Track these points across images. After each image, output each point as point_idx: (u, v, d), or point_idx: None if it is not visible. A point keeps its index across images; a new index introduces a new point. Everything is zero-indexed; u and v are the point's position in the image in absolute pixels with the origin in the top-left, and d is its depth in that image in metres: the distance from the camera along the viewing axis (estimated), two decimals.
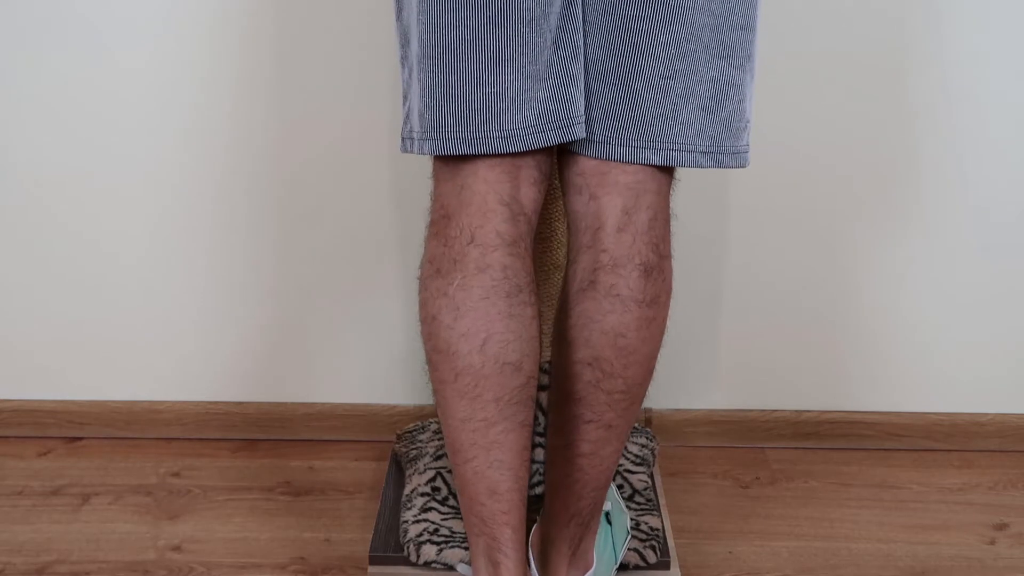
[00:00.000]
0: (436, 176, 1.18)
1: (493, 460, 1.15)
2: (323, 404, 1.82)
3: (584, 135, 1.14)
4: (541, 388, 1.49)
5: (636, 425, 1.70)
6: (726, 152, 1.17)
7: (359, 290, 1.77)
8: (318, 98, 1.69)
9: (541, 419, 1.50)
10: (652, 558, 1.41)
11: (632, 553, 1.42)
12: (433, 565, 1.41)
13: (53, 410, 1.82)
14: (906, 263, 1.74)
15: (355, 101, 1.68)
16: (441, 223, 1.16)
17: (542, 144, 1.12)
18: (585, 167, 1.17)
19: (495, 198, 1.14)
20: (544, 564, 1.29)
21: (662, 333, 1.21)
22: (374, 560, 1.45)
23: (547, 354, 1.47)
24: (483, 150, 1.11)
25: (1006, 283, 1.74)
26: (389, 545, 1.46)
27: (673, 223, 1.19)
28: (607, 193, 1.16)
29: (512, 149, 1.11)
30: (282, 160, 1.72)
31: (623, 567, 1.40)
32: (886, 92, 1.67)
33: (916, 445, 1.80)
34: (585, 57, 1.12)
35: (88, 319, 1.79)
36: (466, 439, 1.16)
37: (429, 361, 1.17)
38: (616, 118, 1.13)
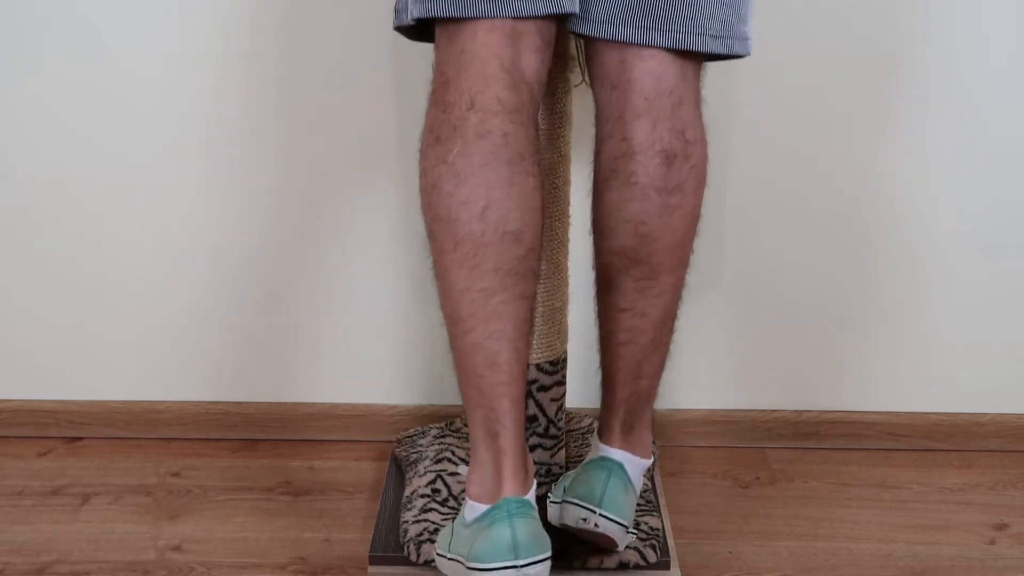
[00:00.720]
0: (437, 45, 1.17)
1: (492, 331, 1.14)
2: (323, 404, 1.82)
3: (575, 10, 1.14)
4: (543, 389, 1.49)
5: None
6: (737, 37, 1.18)
7: (359, 290, 1.77)
8: (318, 98, 1.68)
9: (541, 420, 1.50)
10: (652, 557, 1.41)
11: (632, 552, 1.42)
12: (433, 565, 1.41)
13: (53, 410, 1.82)
14: (906, 263, 1.74)
15: (355, 100, 1.68)
16: (440, 90, 1.14)
17: (531, 12, 1.11)
18: (605, 58, 1.19)
19: (496, 63, 1.12)
20: (602, 433, 1.37)
21: (692, 221, 1.22)
22: (374, 560, 1.45)
23: (547, 354, 1.47)
24: (472, 12, 1.10)
25: (1006, 283, 1.74)
26: (389, 545, 1.46)
27: None
28: (627, 81, 1.18)
29: (502, 14, 1.10)
30: (282, 160, 1.71)
31: (623, 566, 1.41)
32: (887, 90, 1.67)
33: (916, 445, 1.80)
34: None
35: (88, 319, 1.79)
36: (465, 310, 1.14)
37: (429, 232, 1.15)
38: (620, 1, 1.15)
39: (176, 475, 1.73)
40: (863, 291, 1.75)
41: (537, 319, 1.45)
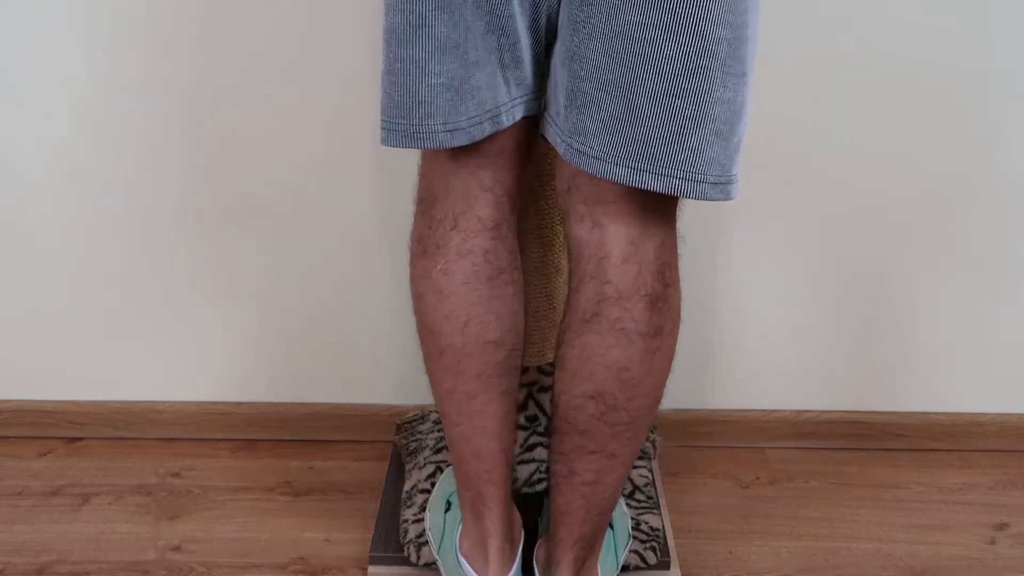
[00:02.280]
0: (422, 156, 1.21)
1: (477, 427, 1.22)
2: (323, 404, 1.82)
3: (504, 125, 1.12)
4: (543, 390, 1.49)
5: None
6: (732, 182, 1.09)
7: (359, 290, 1.77)
8: (318, 94, 1.68)
9: (542, 420, 1.50)
10: (652, 559, 1.41)
11: (632, 554, 1.42)
12: (433, 566, 1.41)
13: (53, 410, 1.82)
14: (906, 264, 1.74)
15: (356, 95, 1.68)
16: (427, 203, 1.19)
17: (482, 136, 1.12)
18: (588, 194, 1.12)
19: (477, 184, 1.16)
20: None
21: (669, 361, 1.19)
22: (374, 560, 1.46)
23: (548, 355, 1.47)
24: (427, 145, 1.11)
25: (1006, 283, 1.74)
26: (389, 545, 1.46)
27: None
28: (612, 222, 1.12)
29: (456, 143, 1.11)
30: (279, 159, 1.71)
31: (623, 569, 1.40)
32: (891, 93, 1.66)
33: (916, 445, 1.80)
34: (587, 64, 1.05)
35: (88, 319, 1.79)
36: (452, 408, 1.22)
37: (419, 334, 1.22)
38: (616, 133, 1.05)
39: (176, 475, 1.73)
40: (863, 291, 1.75)
41: (538, 322, 1.45)
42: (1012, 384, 1.79)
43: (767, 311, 1.77)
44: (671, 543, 1.48)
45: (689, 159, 1.04)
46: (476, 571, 1.27)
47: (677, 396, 1.81)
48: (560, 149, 1.11)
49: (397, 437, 1.67)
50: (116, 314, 1.79)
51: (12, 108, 1.70)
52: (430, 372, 1.23)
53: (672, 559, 1.45)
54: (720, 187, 1.08)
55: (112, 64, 1.68)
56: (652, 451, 1.63)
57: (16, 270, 1.77)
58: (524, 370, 1.48)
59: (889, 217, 1.72)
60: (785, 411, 1.81)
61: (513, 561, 1.28)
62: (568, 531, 1.24)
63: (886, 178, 1.70)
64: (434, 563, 1.40)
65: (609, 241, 1.13)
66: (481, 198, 1.17)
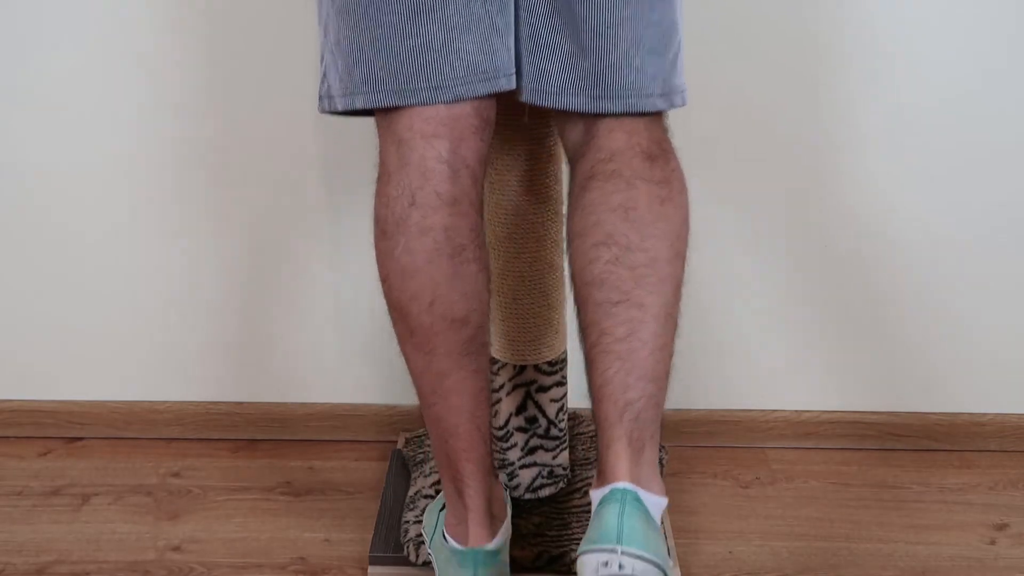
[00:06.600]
0: (378, 133, 1.20)
1: (451, 406, 1.22)
2: (323, 404, 1.82)
3: (513, 86, 1.16)
4: (541, 389, 1.49)
5: None
6: (676, 92, 1.20)
7: (359, 290, 1.77)
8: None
9: (541, 421, 1.50)
10: None
11: None
12: (431, 565, 1.41)
13: (53, 410, 1.82)
14: (906, 263, 1.74)
15: None
16: (383, 180, 1.18)
17: (471, 95, 1.14)
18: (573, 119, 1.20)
19: (433, 155, 1.15)
20: (603, 469, 1.13)
21: (682, 220, 1.19)
22: (374, 560, 1.46)
23: (545, 354, 1.47)
24: (412, 100, 1.13)
25: (1006, 283, 1.74)
26: (389, 545, 1.47)
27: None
28: (597, 119, 1.18)
29: (441, 99, 1.13)
30: (277, 160, 1.71)
31: None
32: (898, 84, 1.66)
33: (916, 445, 1.80)
34: (537, 12, 1.14)
35: (88, 320, 1.79)
36: (425, 388, 1.22)
37: (390, 315, 1.22)
38: (574, 69, 1.15)
39: (176, 475, 1.73)
40: (863, 291, 1.75)
41: (533, 319, 1.45)
42: (1012, 384, 1.79)
43: (767, 311, 1.77)
44: (671, 543, 1.48)
45: (638, 78, 1.15)
46: (459, 543, 1.28)
47: (677, 396, 1.80)
48: (523, 96, 1.18)
49: (405, 449, 1.68)
50: (116, 314, 1.79)
51: (7, 111, 1.70)
52: (404, 353, 1.22)
53: (672, 559, 1.45)
54: (665, 97, 1.18)
55: (102, 63, 1.68)
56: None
57: (16, 270, 1.77)
58: (521, 370, 1.48)
59: (886, 216, 1.72)
60: (785, 411, 1.81)
61: (496, 532, 1.28)
62: (612, 403, 1.12)
63: (886, 178, 1.70)
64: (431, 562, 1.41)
65: (596, 125, 1.19)
66: (438, 171, 1.15)
